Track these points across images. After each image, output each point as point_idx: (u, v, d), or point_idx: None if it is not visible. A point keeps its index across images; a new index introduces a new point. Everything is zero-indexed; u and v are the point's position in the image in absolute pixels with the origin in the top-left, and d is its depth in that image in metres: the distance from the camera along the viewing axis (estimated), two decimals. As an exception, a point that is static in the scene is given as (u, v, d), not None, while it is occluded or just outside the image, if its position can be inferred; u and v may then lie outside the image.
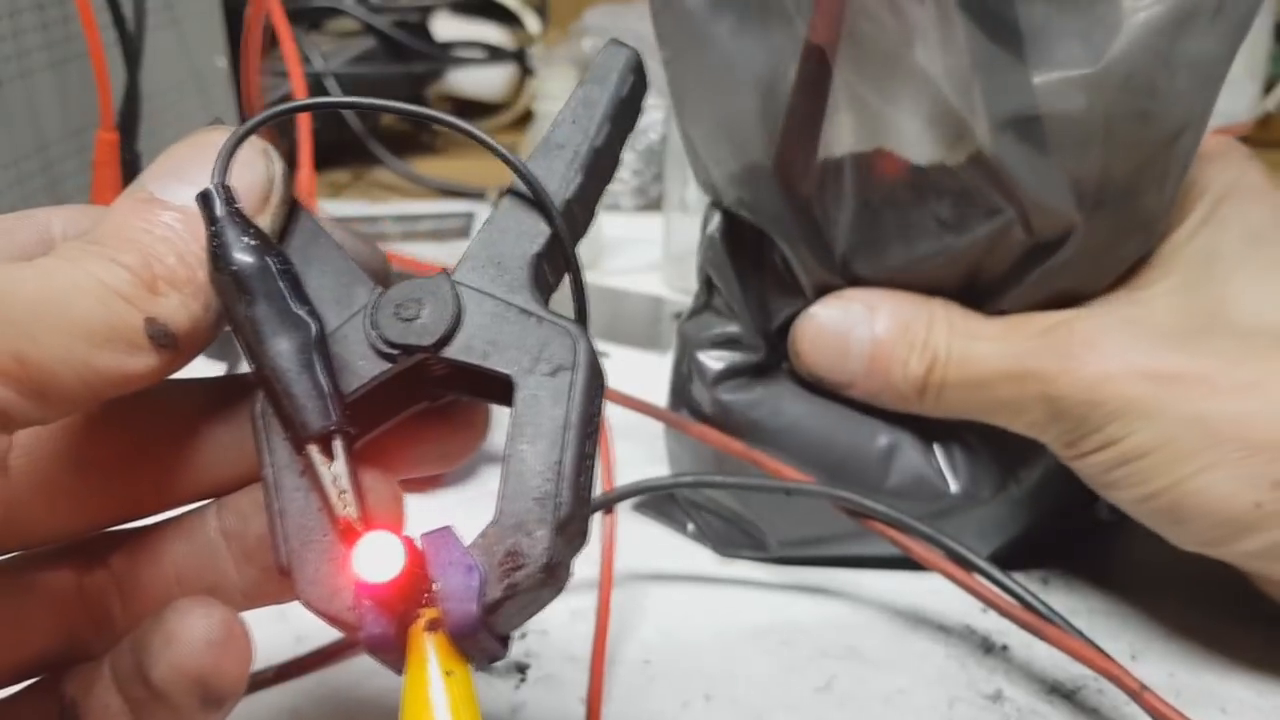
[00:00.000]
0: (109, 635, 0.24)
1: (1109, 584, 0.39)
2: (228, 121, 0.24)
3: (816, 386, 0.39)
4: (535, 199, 0.24)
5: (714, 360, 0.40)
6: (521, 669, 0.35)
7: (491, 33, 1.07)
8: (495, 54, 1.02)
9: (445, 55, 1.01)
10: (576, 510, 0.21)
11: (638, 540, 0.42)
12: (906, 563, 0.37)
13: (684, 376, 0.41)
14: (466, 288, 0.23)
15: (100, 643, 0.24)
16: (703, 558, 0.41)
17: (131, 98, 0.57)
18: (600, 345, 0.58)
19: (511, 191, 0.24)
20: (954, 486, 0.38)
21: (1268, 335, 0.33)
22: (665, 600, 0.39)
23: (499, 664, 0.35)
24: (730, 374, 0.40)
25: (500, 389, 0.22)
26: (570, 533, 0.22)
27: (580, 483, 0.22)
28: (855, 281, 0.38)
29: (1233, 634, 0.36)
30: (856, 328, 0.37)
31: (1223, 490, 0.32)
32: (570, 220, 0.24)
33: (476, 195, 0.80)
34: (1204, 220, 0.35)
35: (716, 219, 0.40)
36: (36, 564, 0.24)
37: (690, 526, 0.42)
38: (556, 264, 0.24)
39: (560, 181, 0.24)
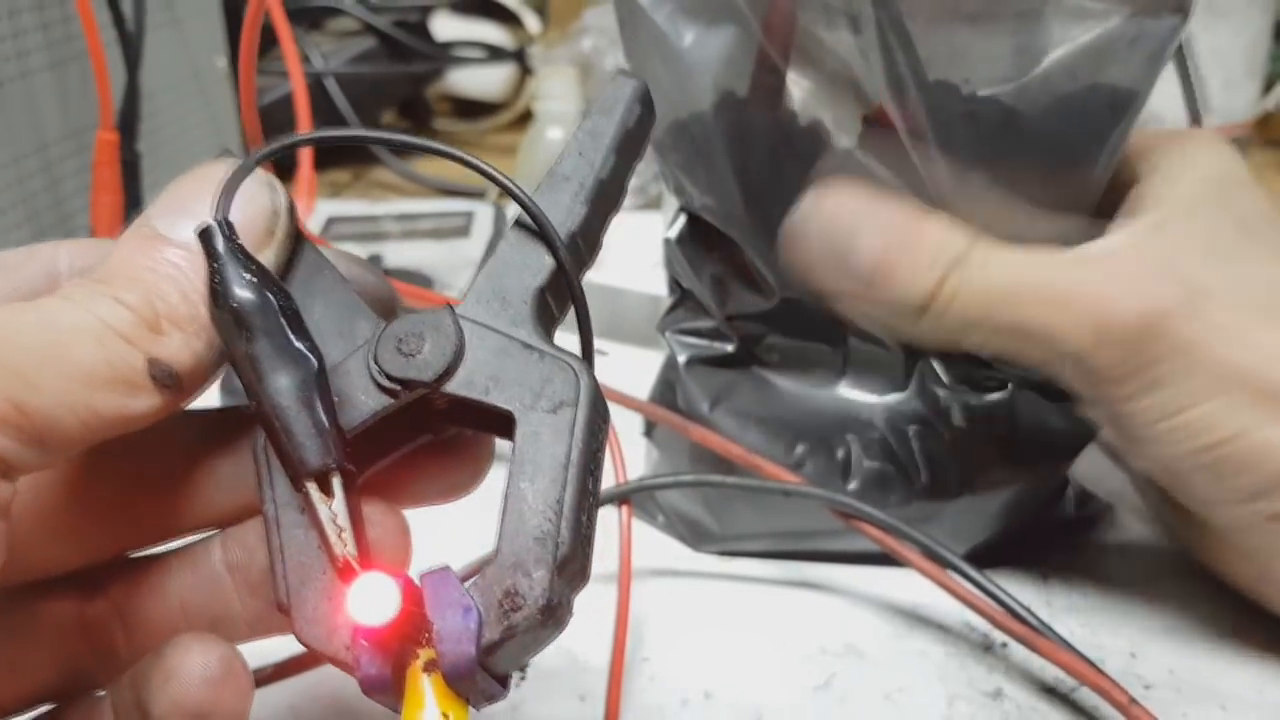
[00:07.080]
0: (112, 666, 0.24)
1: (1109, 580, 0.39)
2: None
3: (788, 365, 0.39)
4: (539, 231, 0.24)
5: (686, 348, 0.42)
6: (521, 667, 0.35)
7: (491, 32, 1.07)
8: (495, 54, 1.02)
9: (445, 55, 1.01)
10: (576, 549, 0.21)
11: (635, 537, 0.41)
12: (863, 557, 0.38)
13: (666, 370, 0.43)
14: (469, 321, 0.23)
15: (103, 674, 0.24)
16: (702, 554, 0.41)
17: (131, 97, 0.58)
18: (599, 343, 0.58)
19: (517, 224, 0.24)
20: (920, 481, 0.39)
21: None
22: (665, 597, 0.39)
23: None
24: (701, 361, 0.42)
25: (503, 424, 0.22)
26: (570, 572, 0.21)
27: (581, 521, 0.21)
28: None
29: (1233, 631, 0.36)
30: (869, 218, 0.33)
31: None
32: (574, 252, 0.24)
33: (476, 194, 0.80)
34: (1199, 199, 0.33)
35: (680, 222, 0.41)
36: (36, 594, 0.24)
37: (660, 518, 0.43)
38: (561, 296, 0.24)
39: (565, 213, 0.24)
